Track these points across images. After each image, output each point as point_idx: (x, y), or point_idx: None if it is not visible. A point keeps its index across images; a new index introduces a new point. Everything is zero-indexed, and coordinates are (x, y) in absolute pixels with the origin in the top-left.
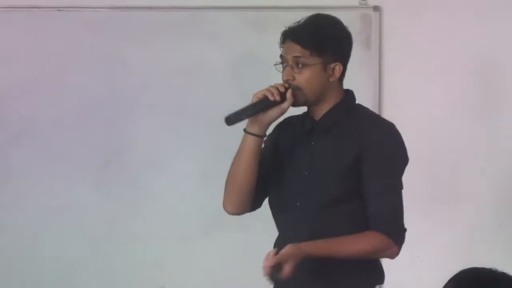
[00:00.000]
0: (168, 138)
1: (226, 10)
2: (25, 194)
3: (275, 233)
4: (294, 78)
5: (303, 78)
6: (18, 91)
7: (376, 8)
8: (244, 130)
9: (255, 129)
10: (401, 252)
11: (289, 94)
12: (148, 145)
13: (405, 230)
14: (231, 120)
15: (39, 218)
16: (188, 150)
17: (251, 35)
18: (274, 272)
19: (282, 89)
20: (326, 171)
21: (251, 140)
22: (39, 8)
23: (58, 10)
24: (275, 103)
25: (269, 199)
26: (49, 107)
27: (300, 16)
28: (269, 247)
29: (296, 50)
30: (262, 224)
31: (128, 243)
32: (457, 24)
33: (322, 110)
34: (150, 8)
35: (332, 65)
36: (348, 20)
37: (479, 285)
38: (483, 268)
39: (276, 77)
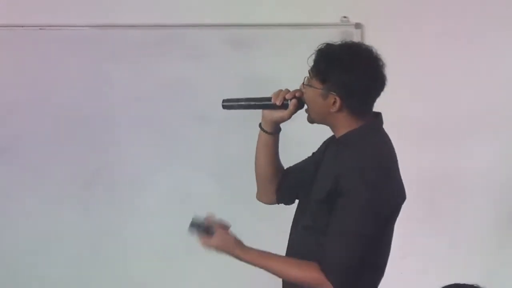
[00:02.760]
0: (150, 156)
1: (208, 28)
2: (6, 213)
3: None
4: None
5: (306, 96)
6: (0, 110)
7: (358, 26)
8: (259, 124)
9: (263, 124)
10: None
11: (291, 104)
12: (130, 163)
13: (349, 275)
14: (224, 104)
15: (21, 237)
16: (170, 168)
17: (233, 53)
18: (199, 226)
19: (289, 96)
20: (313, 194)
21: (261, 134)
22: (22, 26)
23: (40, 28)
24: (275, 106)
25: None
26: (31, 125)
27: (282, 34)
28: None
29: (309, 70)
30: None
31: (110, 262)
32: (439, 42)
33: (337, 133)
34: (132, 26)
35: (332, 97)
36: (330, 37)
37: None
38: (464, 284)
39: (258, 93)
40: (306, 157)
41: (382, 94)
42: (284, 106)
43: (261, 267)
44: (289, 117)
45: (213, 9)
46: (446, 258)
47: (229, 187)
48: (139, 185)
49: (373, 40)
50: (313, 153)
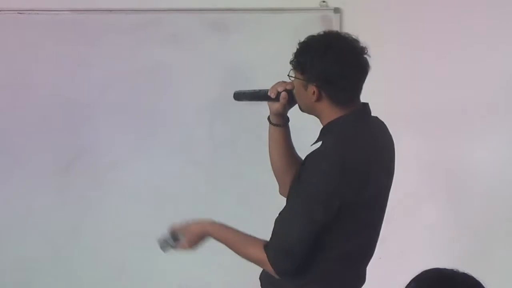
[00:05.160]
0: (128, 141)
1: (187, 12)
2: None
3: None
4: None
5: (295, 88)
6: None
7: (337, 10)
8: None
9: (270, 116)
10: None
11: (281, 96)
12: (109, 147)
13: (289, 257)
14: (235, 95)
15: (1, 223)
16: (148, 153)
17: (210, 37)
18: (166, 241)
19: (280, 89)
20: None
21: (270, 126)
22: (0, 11)
23: (19, 13)
24: (270, 98)
25: None
26: (9, 110)
27: (261, 18)
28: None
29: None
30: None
31: (91, 246)
32: (418, 26)
33: (322, 123)
34: (110, 10)
35: (312, 87)
36: (309, 22)
37: (441, 285)
38: (444, 269)
39: (238, 78)
40: None
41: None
42: (277, 98)
43: (222, 242)
44: (283, 110)
45: None
46: (426, 242)
47: (208, 172)
48: (116, 171)
49: (351, 25)
50: None
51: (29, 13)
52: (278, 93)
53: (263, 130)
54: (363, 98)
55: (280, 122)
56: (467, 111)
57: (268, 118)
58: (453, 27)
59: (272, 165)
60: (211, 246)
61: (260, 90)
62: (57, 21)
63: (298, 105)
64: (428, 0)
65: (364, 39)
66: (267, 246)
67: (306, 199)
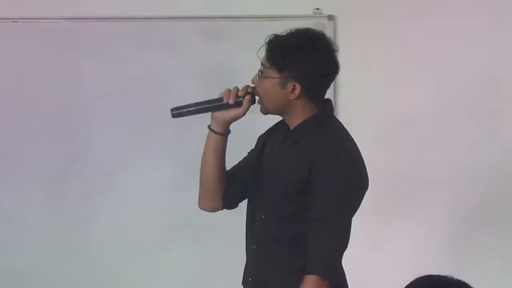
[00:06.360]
0: (122, 149)
1: (179, 20)
2: None
3: (230, 245)
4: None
5: (261, 88)
6: None
7: (331, 18)
8: (208, 126)
9: (214, 126)
10: (357, 261)
11: (245, 100)
12: (103, 156)
13: (339, 268)
14: (173, 112)
15: None
16: (142, 160)
17: (205, 45)
18: None
19: (241, 93)
20: (278, 185)
21: (212, 136)
22: None
23: (13, 21)
24: (227, 106)
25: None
26: (3, 117)
27: (255, 26)
28: (223, 258)
29: (264, 58)
30: (217, 235)
31: (82, 255)
32: (410, 34)
33: (293, 122)
34: (105, 18)
35: (291, 84)
36: None
37: None
38: (438, 276)
39: (231, 85)
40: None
41: (356, 85)
42: (237, 104)
43: None
44: (244, 114)
45: (186, 1)
46: (419, 249)
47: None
48: (111, 178)
49: (345, 32)
50: (249, 152)
51: (23, 22)
52: (238, 98)
53: (256, 136)
54: (362, 103)
55: (226, 131)
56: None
57: (210, 128)
58: (445, 35)
59: (206, 176)
60: (204, 255)
61: (207, 101)
62: (51, 29)
63: (263, 104)
64: (421, 7)
65: (357, 46)
66: (324, 272)
67: (340, 198)
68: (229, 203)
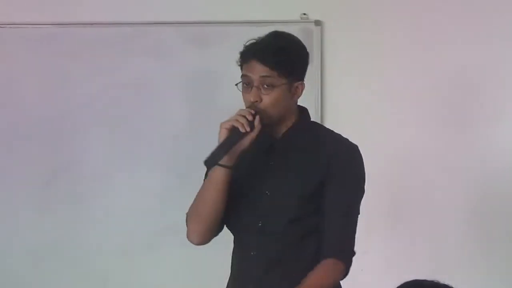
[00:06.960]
0: (110, 155)
1: (166, 25)
2: None
3: (219, 249)
4: (261, 100)
5: (270, 99)
6: None
7: (318, 23)
8: (210, 163)
9: (227, 161)
10: None
11: (257, 121)
12: (92, 162)
13: (354, 253)
14: (210, 162)
15: None
16: (130, 167)
17: (192, 50)
18: None
19: (250, 118)
20: (289, 190)
21: (221, 171)
22: None
23: (0, 27)
24: (244, 135)
25: (230, 221)
26: None
27: (242, 31)
28: (212, 262)
29: (263, 70)
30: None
31: (72, 259)
32: (397, 38)
33: (281, 129)
34: (92, 24)
35: (296, 84)
36: None
37: None
38: (425, 280)
39: (219, 91)
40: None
41: (342, 90)
42: (251, 129)
43: None
44: (256, 136)
45: (173, 7)
46: (406, 254)
47: (192, 185)
48: (98, 184)
49: (332, 37)
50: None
51: (10, 27)
52: (251, 122)
53: None
54: (350, 108)
55: (234, 162)
56: None
57: (220, 164)
58: (432, 40)
59: (203, 207)
60: (192, 259)
61: (226, 138)
62: (38, 35)
63: (268, 117)
64: (408, 13)
65: (344, 51)
66: (343, 256)
67: (360, 194)
68: (219, 230)
